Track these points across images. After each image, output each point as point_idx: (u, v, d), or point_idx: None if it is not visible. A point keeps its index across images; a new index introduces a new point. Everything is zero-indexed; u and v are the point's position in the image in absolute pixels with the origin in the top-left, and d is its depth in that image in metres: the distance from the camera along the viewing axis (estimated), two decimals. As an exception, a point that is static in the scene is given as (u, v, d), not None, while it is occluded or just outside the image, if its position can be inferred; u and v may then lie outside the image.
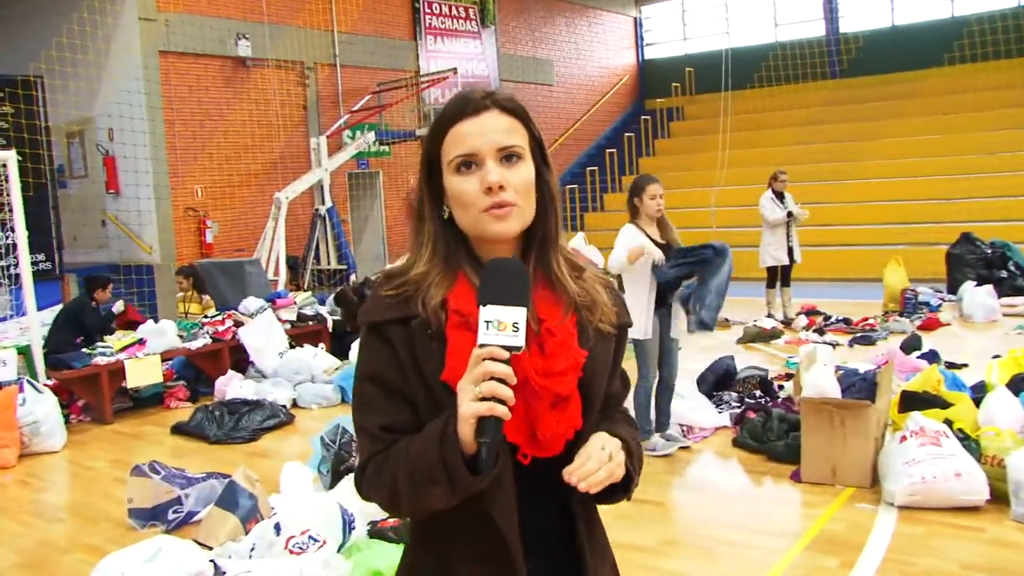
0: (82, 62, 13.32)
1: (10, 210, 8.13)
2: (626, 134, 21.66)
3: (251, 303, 9.08)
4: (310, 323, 9.32)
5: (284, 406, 7.56)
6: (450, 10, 19.11)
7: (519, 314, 1.34)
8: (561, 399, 1.44)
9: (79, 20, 13.05)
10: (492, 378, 1.31)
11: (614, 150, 21.14)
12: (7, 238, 8.91)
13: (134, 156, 14.05)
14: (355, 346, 8.70)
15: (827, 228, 15.36)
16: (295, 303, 9.37)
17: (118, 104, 13.95)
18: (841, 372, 5.51)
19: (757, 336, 9.58)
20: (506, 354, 1.33)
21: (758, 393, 6.69)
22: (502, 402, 1.31)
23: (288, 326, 9.11)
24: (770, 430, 5.68)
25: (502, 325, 1.33)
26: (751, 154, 18.39)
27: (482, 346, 1.33)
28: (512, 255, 1.48)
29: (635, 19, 24.50)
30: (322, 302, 9.80)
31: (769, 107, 20.77)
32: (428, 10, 18.59)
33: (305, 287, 14.17)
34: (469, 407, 1.32)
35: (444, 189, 1.48)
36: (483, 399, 1.30)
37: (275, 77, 15.79)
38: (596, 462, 1.40)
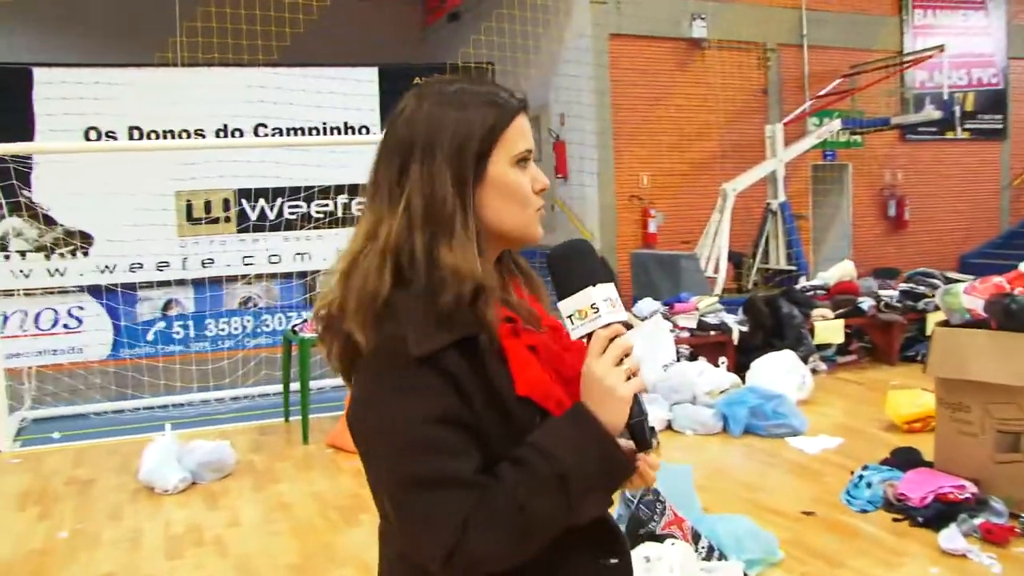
0: (534, 48, 13.42)
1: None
2: None
3: (646, 305, 8.19)
4: (712, 332, 8.15)
5: (653, 428, 6.51)
6: (949, -23, 16.61)
7: (610, 290, 1.35)
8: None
9: (532, 6, 13.06)
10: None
11: None
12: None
13: (580, 142, 13.96)
14: (757, 364, 7.45)
15: None
16: (697, 309, 8.26)
17: (567, 90, 13.91)
18: None
19: None
20: (625, 329, 1.33)
21: None
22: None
23: (687, 334, 8.04)
24: None
25: (582, 312, 1.33)
26: None
27: (606, 326, 1.32)
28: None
29: None
30: (733, 309, 8.60)
31: None
32: (920, -21, 16.29)
33: (749, 287, 13.08)
34: (628, 387, 1.30)
35: (480, 177, 1.37)
36: (629, 377, 1.30)
37: (731, 60, 14.72)
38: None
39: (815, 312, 8.49)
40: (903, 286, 9.12)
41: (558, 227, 14.65)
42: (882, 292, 8.91)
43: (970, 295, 5.11)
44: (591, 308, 1.31)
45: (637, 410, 1.31)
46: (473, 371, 1.28)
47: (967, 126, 16.92)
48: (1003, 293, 4.98)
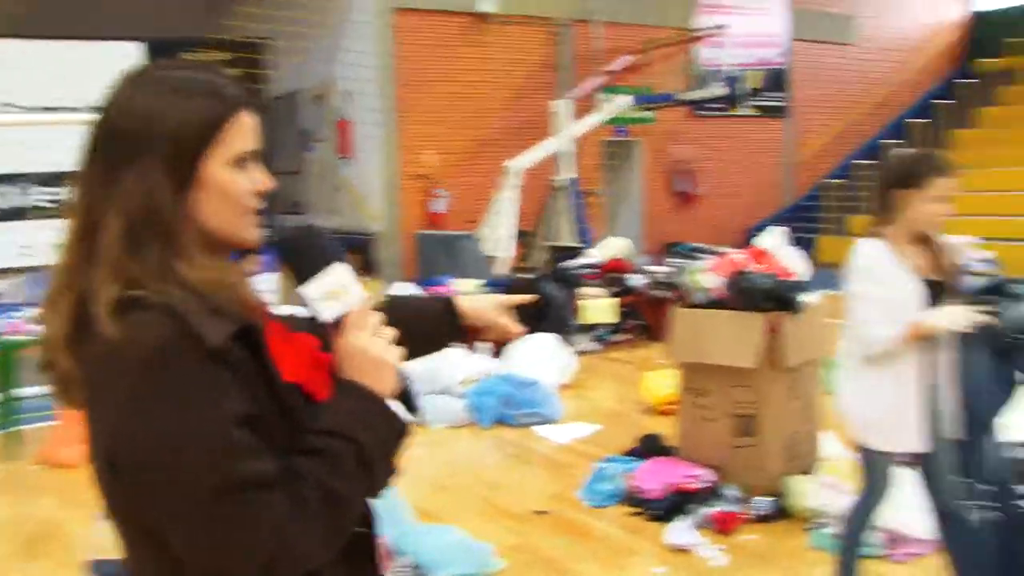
0: (319, 23, 12.78)
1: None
2: (942, 102, 18.28)
3: (401, 289, 7.75)
4: (475, 318, 7.77)
5: (418, 392, 6.05)
6: (734, -43, 16.84)
7: (349, 268, 1.34)
8: None
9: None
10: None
11: (924, 121, 17.92)
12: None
13: (365, 120, 13.41)
14: (514, 350, 7.10)
15: None
16: (459, 293, 7.85)
17: (352, 66, 13.31)
18: None
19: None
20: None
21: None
22: None
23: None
24: None
25: (333, 293, 1.32)
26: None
27: (356, 304, 1.32)
28: None
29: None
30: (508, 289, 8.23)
31: None
32: (707, -42, 16.45)
33: (533, 265, 12.83)
34: (394, 354, 1.33)
35: (194, 178, 1.27)
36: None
37: (521, 35, 14.43)
38: None
39: (585, 291, 8.24)
40: (676, 262, 8.98)
41: (343, 209, 14.10)
42: (654, 268, 8.74)
43: (711, 273, 4.86)
44: (342, 287, 1.31)
45: (402, 375, 1.33)
46: (252, 362, 1.24)
47: (753, 103, 17.29)
48: (741, 271, 4.73)
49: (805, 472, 4.74)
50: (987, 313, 2.95)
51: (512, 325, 1.66)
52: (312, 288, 1.31)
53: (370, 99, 13.30)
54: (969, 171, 16.32)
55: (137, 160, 1.23)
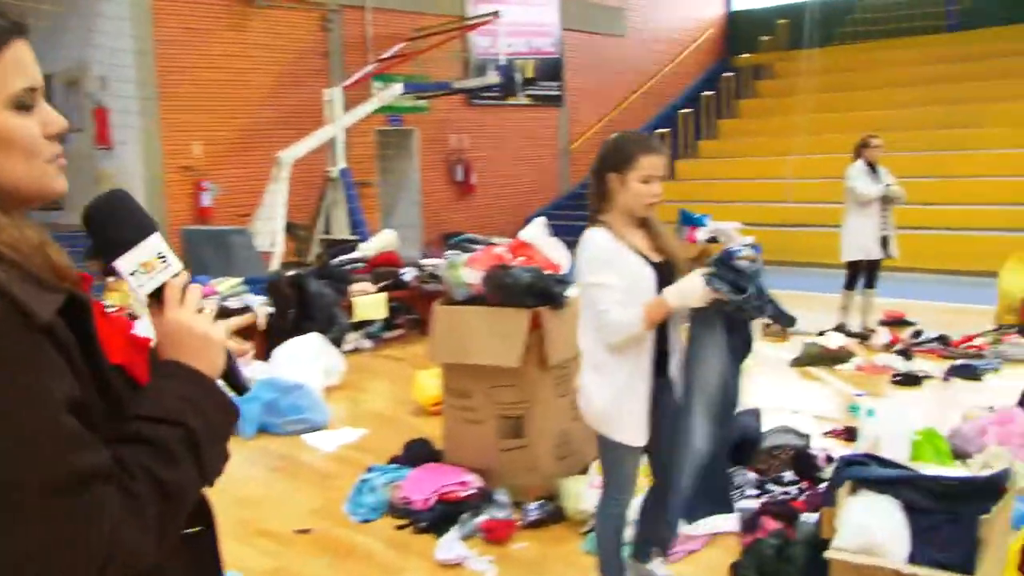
0: (70, 2, 11.79)
1: None
2: (707, 93, 19.10)
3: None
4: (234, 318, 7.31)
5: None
6: (505, -54, 16.88)
7: (159, 240, 1.24)
8: None
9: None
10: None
11: (691, 111, 18.67)
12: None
13: (124, 109, 12.51)
14: (277, 353, 6.74)
15: (930, 208, 12.50)
16: (217, 292, 7.38)
17: (108, 49, 12.36)
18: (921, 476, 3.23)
19: (818, 358, 7.19)
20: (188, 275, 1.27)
21: (788, 475, 4.43)
22: None
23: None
24: (787, 561, 3.47)
25: (148, 265, 1.22)
26: (841, 118, 15.79)
27: (176, 274, 1.24)
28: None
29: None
30: (261, 291, 7.81)
31: (862, 65, 17.96)
32: (478, -55, 16.40)
33: (310, 260, 12.39)
34: (219, 330, 1.26)
35: None
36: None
37: (290, 20, 13.92)
38: None
39: (355, 287, 7.96)
40: (449, 254, 8.82)
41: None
42: (426, 262, 8.55)
43: (471, 267, 4.68)
44: (158, 258, 1.22)
45: (227, 353, 1.26)
46: (77, 340, 1.10)
47: (528, 92, 17.44)
48: (501, 265, 4.57)
49: (583, 472, 4.61)
50: (716, 288, 2.91)
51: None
52: (126, 260, 1.21)
53: (128, 86, 12.40)
54: (733, 160, 17.21)
55: None
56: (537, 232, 4.80)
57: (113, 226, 1.22)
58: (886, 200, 7.74)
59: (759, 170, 16.02)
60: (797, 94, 16.14)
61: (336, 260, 8.37)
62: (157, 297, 1.22)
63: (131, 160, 12.75)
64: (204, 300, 1.24)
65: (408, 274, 8.24)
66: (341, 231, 12.83)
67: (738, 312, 2.97)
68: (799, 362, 7.21)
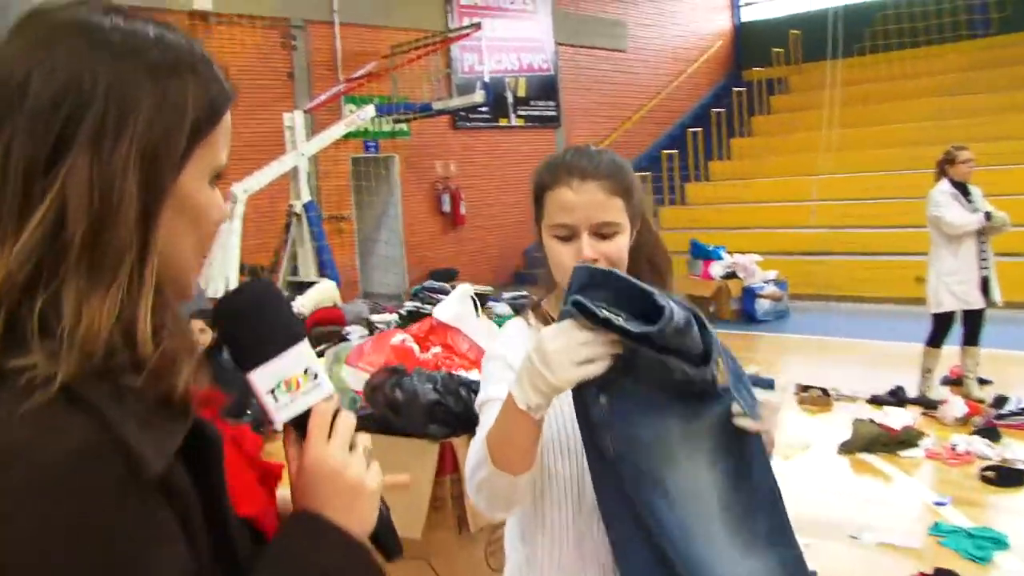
0: (1, 18, 10.32)
1: None
2: (716, 110, 17.56)
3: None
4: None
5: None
6: (490, -45, 15.45)
7: (308, 352, 0.93)
8: None
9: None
10: None
11: (699, 129, 17.12)
12: None
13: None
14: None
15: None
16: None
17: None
18: None
19: (875, 441, 5.48)
20: (340, 401, 0.96)
21: None
22: None
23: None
24: None
25: (291, 382, 0.91)
26: (867, 133, 14.23)
27: (329, 397, 0.93)
28: None
29: (730, -28, 20.36)
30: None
31: (888, 76, 16.41)
32: (461, -45, 14.98)
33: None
34: (374, 477, 0.94)
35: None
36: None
37: (249, 38, 12.49)
38: None
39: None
40: (409, 306, 7.23)
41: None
42: (377, 317, 6.95)
43: (354, 367, 3.04)
44: (306, 375, 0.91)
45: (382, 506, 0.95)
46: (194, 488, 0.82)
47: (520, 112, 15.95)
48: (392, 369, 2.92)
49: None
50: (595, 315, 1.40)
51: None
52: (264, 373, 0.89)
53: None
54: (749, 181, 15.64)
55: (100, 149, 0.78)
56: (459, 308, 3.12)
57: (253, 326, 0.91)
58: (984, 231, 6.16)
59: (778, 192, 14.45)
60: (818, 108, 14.56)
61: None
62: (297, 425, 0.91)
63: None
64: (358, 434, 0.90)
65: (353, 334, 6.61)
66: (308, 273, 11.31)
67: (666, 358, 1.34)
68: (849, 446, 5.51)
